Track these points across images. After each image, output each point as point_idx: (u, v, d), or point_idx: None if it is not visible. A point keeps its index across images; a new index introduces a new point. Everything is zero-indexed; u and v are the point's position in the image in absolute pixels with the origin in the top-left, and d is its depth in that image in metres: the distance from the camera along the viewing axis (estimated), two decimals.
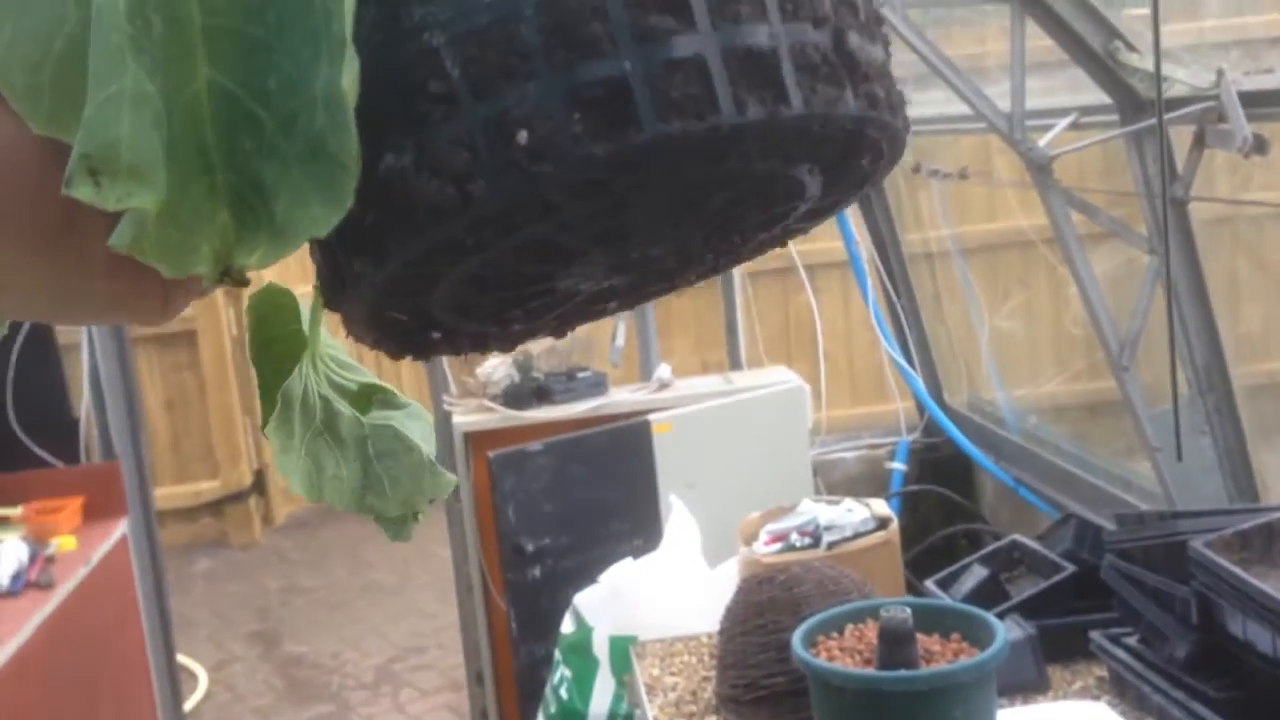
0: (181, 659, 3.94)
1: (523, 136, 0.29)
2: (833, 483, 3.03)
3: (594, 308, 0.40)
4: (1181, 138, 1.78)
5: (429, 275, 0.33)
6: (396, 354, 0.38)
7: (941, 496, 2.97)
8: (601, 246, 0.34)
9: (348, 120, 0.27)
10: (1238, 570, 1.38)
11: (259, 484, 5.56)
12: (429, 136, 0.30)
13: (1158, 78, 1.57)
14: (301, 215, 0.28)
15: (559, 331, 0.41)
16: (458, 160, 0.30)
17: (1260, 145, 1.58)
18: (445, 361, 3.21)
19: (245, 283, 0.31)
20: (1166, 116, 1.64)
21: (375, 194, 0.30)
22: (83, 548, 2.68)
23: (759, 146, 0.31)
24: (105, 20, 0.26)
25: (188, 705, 3.83)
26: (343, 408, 0.40)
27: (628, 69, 0.29)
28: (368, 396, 0.42)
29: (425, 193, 0.30)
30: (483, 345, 0.40)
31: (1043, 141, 1.99)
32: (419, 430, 0.42)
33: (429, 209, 0.30)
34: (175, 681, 3.34)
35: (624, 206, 0.32)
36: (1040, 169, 1.91)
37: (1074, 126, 2.05)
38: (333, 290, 0.35)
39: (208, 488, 5.49)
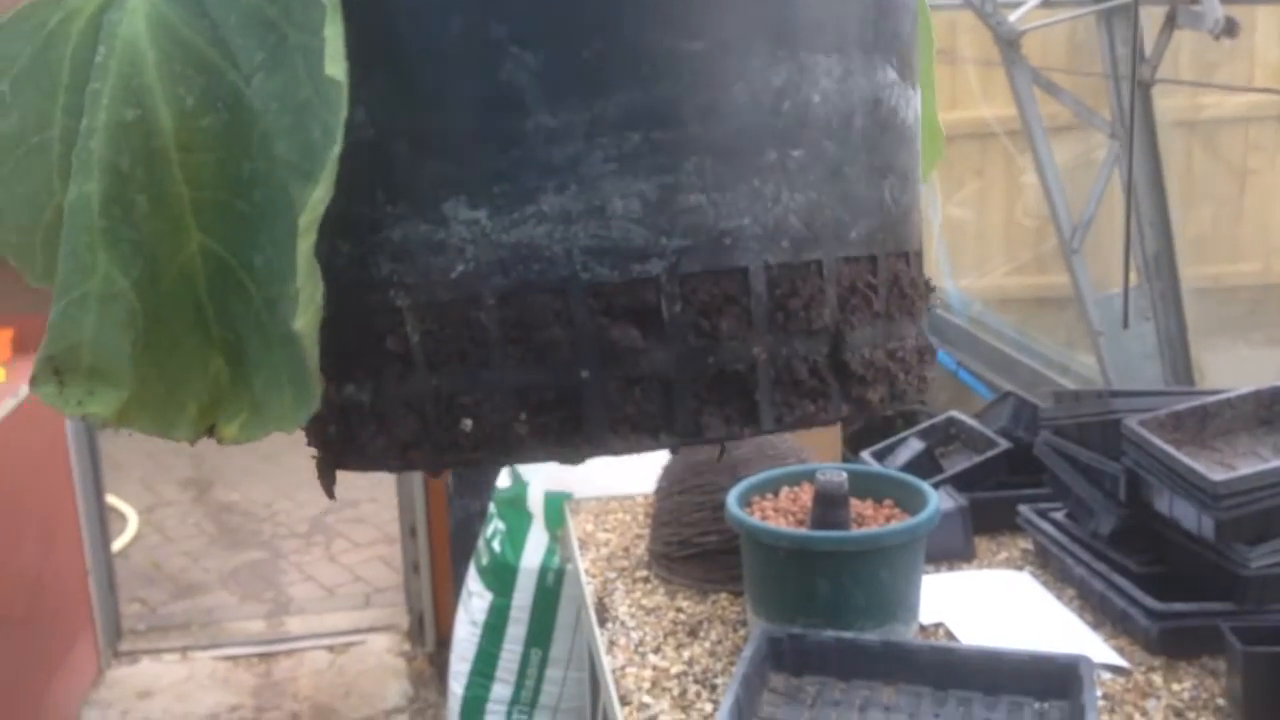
0: (112, 500, 3.92)
1: (468, 424, 0.28)
2: None
3: None
4: (1152, 20, 1.76)
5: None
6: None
7: None
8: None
9: (313, 346, 0.27)
10: (1169, 449, 1.40)
11: None
12: (385, 387, 0.29)
13: None
14: (276, 399, 0.28)
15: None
16: (407, 426, 0.29)
17: (1230, 28, 1.56)
18: None
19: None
20: None
21: (337, 414, 0.30)
22: (12, 379, 2.63)
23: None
24: (77, 220, 0.26)
25: (116, 545, 3.83)
26: None
27: (584, 378, 0.27)
28: None
29: (374, 444, 0.30)
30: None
31: (1013, 17, 1.95)
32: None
33: (375, 455, 0.30)
34: (104, 521, 3.32)
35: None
36: (1009, 45, 1.88)
37: (1044, 4, 2.01)
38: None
39: None
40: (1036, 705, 1.32)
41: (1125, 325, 1.57)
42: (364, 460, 0.31)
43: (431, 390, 0.29)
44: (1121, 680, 1.38)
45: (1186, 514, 1.39)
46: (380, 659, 3.33)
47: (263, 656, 3.41)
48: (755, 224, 0.27)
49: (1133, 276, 1.84)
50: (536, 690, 2.07)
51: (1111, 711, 1.33)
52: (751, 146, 0.27)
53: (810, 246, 0.28)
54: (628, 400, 0.27)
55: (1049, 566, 1.65)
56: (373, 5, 0.26)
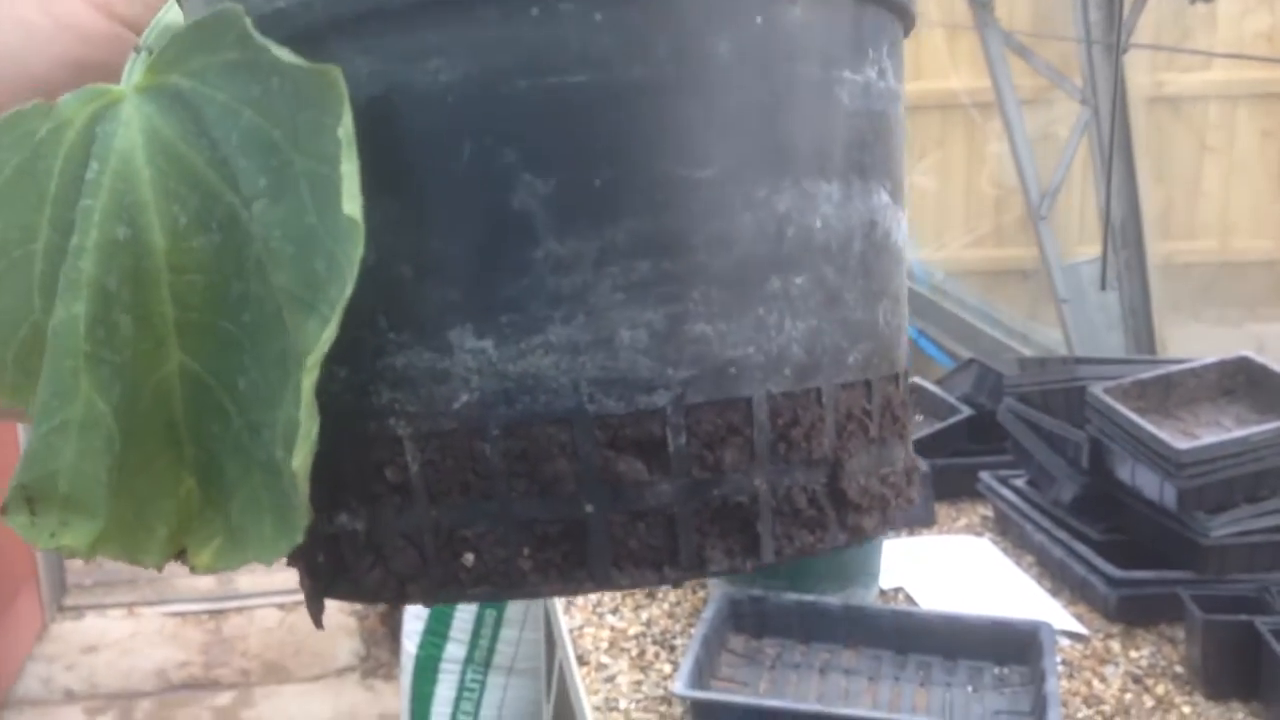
0: None
1: (469, 559, 0.27)
2: None
3: None
4: None
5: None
6: None
7: None
8: None
9: (304, 482, 0.25)
10: (1133, 416, 1.39)
11: None
12: (381, 518, 0.28)
13: None
14: (254, 527, 0.27)
15: None
16: (405, 559, 0.28)
17: None
18: None
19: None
20: None
21: (327, 542, 0.29)
22: None
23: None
24: (62, 343, 0.25)
25: None
26: None
27: (589, 512, 0.26)
28: None
29: (369, 576, 0.29)
30: None
31: None
32: None
33: (370, 588, 0.29)
34: None
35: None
36: (981, 6, 1.87)
37: None
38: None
39: None
40: (996, 670, 1.32)
41: (1103, 287, 1.56)
42: (357, 591, 0.30)
43: (431, 522, 0.28)
44: (1080, 647, 1.39)
45: (1149, 482, 1.39)
46: (332, 617, 3.30)
47: (212, 614, 3.37)
48: (759, 353, 0.27)
49: (1097, 247, 1.83)
50: (491, 650, 2.05)
51: (1070, 677, 1.33)
52: (757, 275, 0.27)
53: (811, 374, 0.28)
54: (632, 535, 0.27)
55: (1009, 533, 1.65)
56: (378, 128, 0.25)
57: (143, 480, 0.27)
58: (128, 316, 0.26)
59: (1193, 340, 2.43)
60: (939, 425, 1.83)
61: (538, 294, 0.26)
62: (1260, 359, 1.44)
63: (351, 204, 0.24)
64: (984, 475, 1.69)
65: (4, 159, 0.26)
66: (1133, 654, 1.36)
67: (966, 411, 1.81)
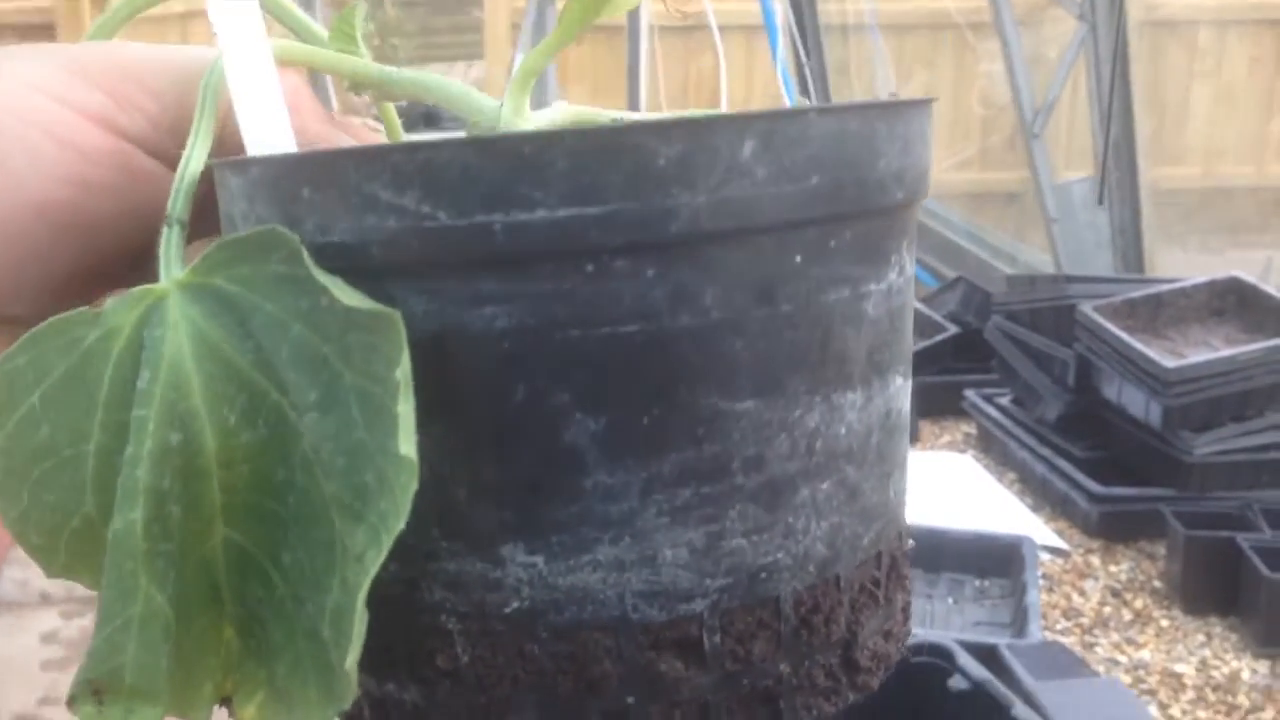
0: None
1: None
2: None
3: None
4: None
5: None
6: None
7: None
8: None
9: (349, 649, 0.27)
10: (1123, 335, 1.39)
11: None
12: (431, 695, 0.30)
13: None
14: (299, 691, 0.28)
15: None
16: None
17: None
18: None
19: None
20: None
21: (374, 704, 0.31)
22: None
23: None
24: (122, 547, 0.27)
25: None
26: None
27: (629, 704, 0.29)
28: None
29: None
30: None
31: None
32: None
33: None
34: None
35: None
36: None
37: None
38: None
39: None
40: (977, 583, 1.33)
41: (1101, 200, 1.55)
42: None
43: (481, 706, 0.30)
44: (1060, 562, 1.40)
45: (1135, 400, 1.39)
46: None
47: None
48: (787, 556, 0.29)
49: (1089, 167, 1.82)
50: None
51: (1050, 591, 1.34)
52: (788, 489, 0.29)
53: (832, 565, 0.30)
54: None
55: (992, 450, 1.66)
56: (431, 362, 0.27)
57: (189, 641, 0.30)
58: (178, 507, 0.28)
59: (1175, 268, 2.42)
60: (925, 343, 1.83)
61: (587, 519, 0.28)
62: (1251, 279, 1.44)
63: (408, 444, 0.25)
64: (969, 393, 1.69)
65: (51, 363, 0.28)
66: (1112, 569, 1.38)
67: (952, 329, 1.81)
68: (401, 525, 0.26)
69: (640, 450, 0.28)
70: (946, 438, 1.74)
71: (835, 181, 0.26)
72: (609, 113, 0.36)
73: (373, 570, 0.26)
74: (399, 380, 0.25)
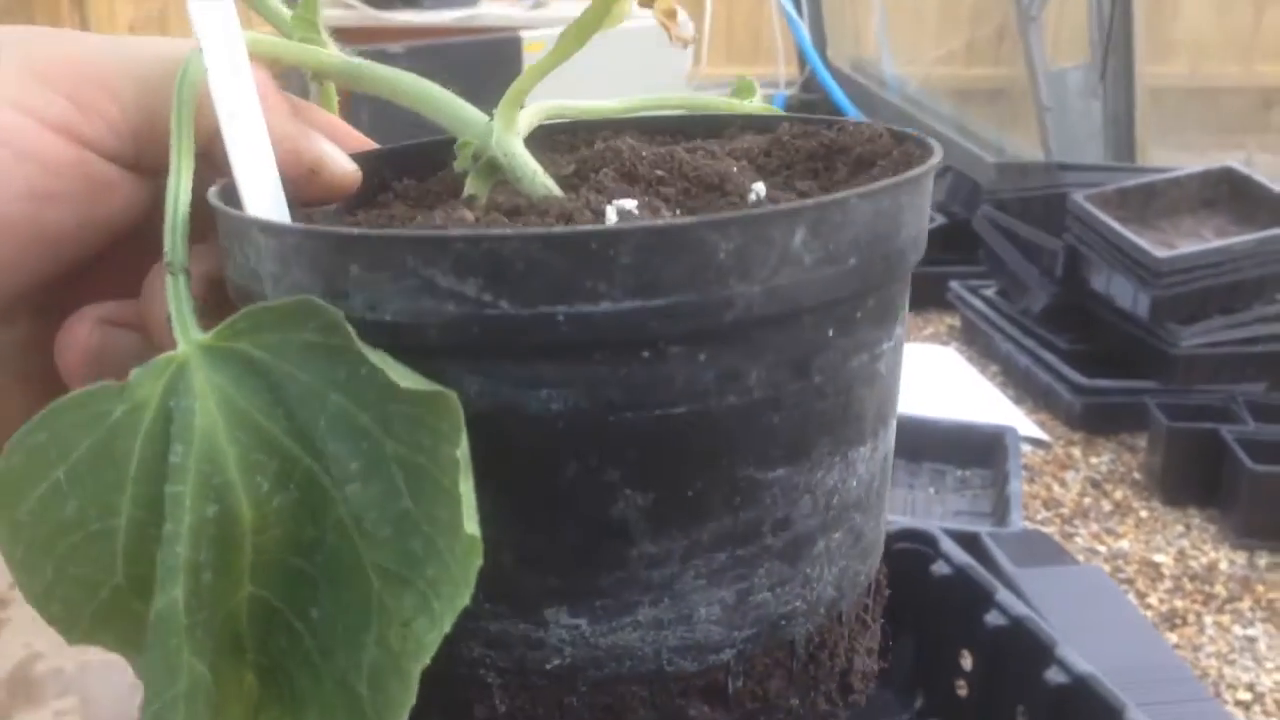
0: None
1: None
2: None
3: None
4: None
5: None
6: None
7: None
8: None
9: (394, 710, 0.27)
10: (1114, 224, 1.37)
11: None
12: None
13: None
14: None
15: None
16: None
17: None
18: None
19: None
20: None
21: None
22: None
23: None
24: (166, 625, 0.28)
25: None
26: None
27: None
28: None
29: None
30: None
31: None
32: None
33: None
34: None
35: None
36: None
37: None
38: None
39: None
40: (959, 473, 1.33)
41: (1102, 76, 1.51)
42: None
43: None
44: (1041, 453, 1.39)
45: (1123, 291, 1.38)
46: None
47: None
48: (804, 603, 0.31)
49: (1083, 53, 1.78)
50: None
51: (1031, 482, 1.34)
52: (808, 544, 0.31)
53: (838, 604, 0.32)
54: None
55: (975, 342, 1.64)
56: (485, 440, 0.27)
57: (219, 695, 0.30)
58: (210, 572, 0.28)
59: (1157, 164, 2.39)
60: None
61: (630, 585, 0.29)
62: (1244, 169, 1.42)
63: (471, 523, 0.25)
64: (954, 284, 1.67)
65: (75, 439, 0.28)
66: (1093, 460, 1.37)
67: (939, 219, 1.78)
68: (466, 601, 0.26)
69: (683, 521, 0.29)
70: (930, 330, 1.72)
71: (868, 258, 0.27)
72: (580, 104, 0.37)
73: (431, 643, 0.26)
74: (459, 460, 0.25)
